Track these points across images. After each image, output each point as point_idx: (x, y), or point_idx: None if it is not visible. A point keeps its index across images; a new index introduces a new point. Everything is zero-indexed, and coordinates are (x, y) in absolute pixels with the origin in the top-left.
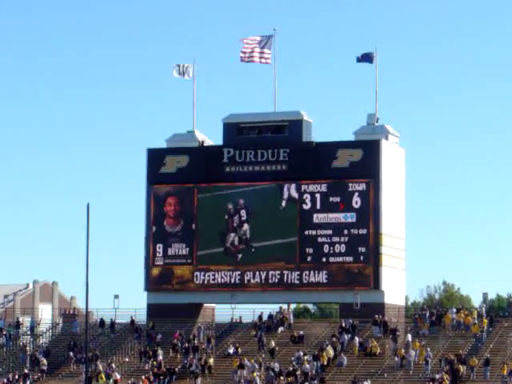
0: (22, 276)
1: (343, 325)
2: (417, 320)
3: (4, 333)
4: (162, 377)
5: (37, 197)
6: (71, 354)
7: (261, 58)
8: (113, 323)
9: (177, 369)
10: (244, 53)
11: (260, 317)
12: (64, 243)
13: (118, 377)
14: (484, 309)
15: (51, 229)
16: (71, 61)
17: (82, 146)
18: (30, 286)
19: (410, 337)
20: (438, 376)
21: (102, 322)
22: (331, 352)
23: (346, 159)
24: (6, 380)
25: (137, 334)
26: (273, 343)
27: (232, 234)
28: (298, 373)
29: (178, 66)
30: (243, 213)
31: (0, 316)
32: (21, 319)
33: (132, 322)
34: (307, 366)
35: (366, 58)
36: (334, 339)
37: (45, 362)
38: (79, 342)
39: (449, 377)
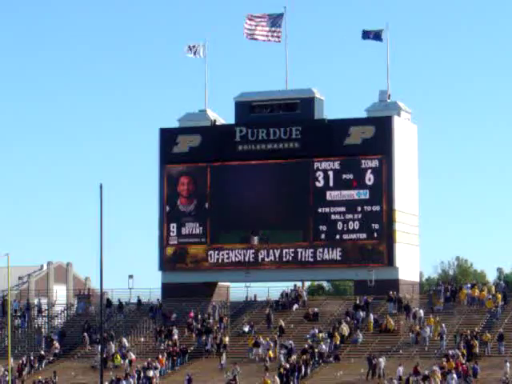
0: (37, 257)
1: (357, 302)
2: (431, 296)
3: (19, 314)
4: (176, 356)
5: (50, 178)
6: (85, 334)
7: (271, 36)
8: (126, 303)
9: (192, 348)
10: (248, 29)
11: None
12: (78, 224)
13: (133, 357)
14: (501, 284)
15: (65, 210)
16: (84, 42)
17: (95, 127)
18: (45, 267)
19: (422, 312)
20: (451, 352)
21: (109, 302)
22: (346, 330)
23: (358, 136)
24: (21, 361)
25: (152, 313)
26: (281, 322)
27: (245, 212)
28: (316, 350)
29: (190, 45)
30: (256, 191)
31: (15, 298)
32: (35, 301)
33: (139, 301)
34: (323, 345)
35: (375, 36)
36: (348, 318)
37: (57, 345)
38: (94, 322)
39: (464, 352)
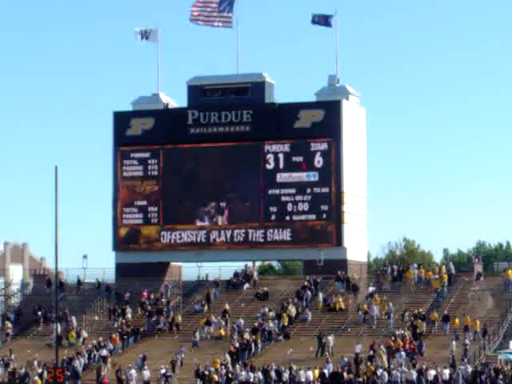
0: None
1: (305, 283)
2: (379, 276)
3: None
4: (128, 335)
5: (6, 159)
6: (39, 313)
7: (221, 21)
8: (80, 282)
9: (144, 327)
10: (195, 14)
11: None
12: (34, 205)
13: (86, 335)
14: (451, 265)
15: (21, 191)
16: (39, 24)
17: (50, 110)
18: (1, 248)
19: (370, 290)
20: (398, 332)
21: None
22: (293, 311)
23: (307, 119)
24: None
25: (106, 293)
26: (226, 305)
27: (195, 194)
28: (266, 329)
29: (141, 30)
30: (208, 173)
31: None
32: None
33: (99, 284)
34: (271, 324)
35: (324, 21)
36: (296, 299)
37: (9, 325)
38: (49, 302)
39: (410, 332)
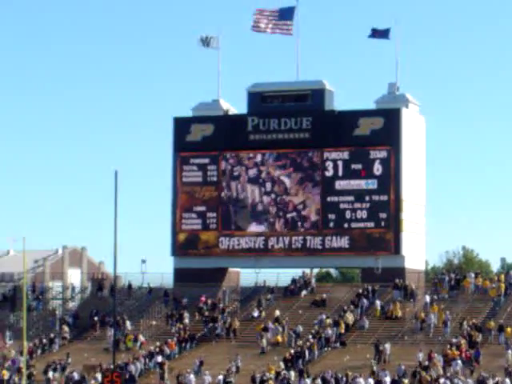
0: (52, 241)
1: (360, 291)
2: (436, 284)
3: (34, 296)
4: (185, 341)
5: (67, 164)
6: (96, 317)
7: (280, 29)
8: (140, 287)
9: (201, 333)
10: (256, 22)
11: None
12: (93, 209)
13: (143, 339)
14: (505, 276)
15: (81, 195)
16: (101, 32)
17: (112, 116)
18: (60, 251)
19: (427, 298)
20: (454, 340)
21: (129, 285)
22: (350, 318)
23: (367, 127)
24: (34, 343)
25: (164, 298)
26: (277, 312)
27: (255, 201)
28: (322, 336)
29: (202, 37)
30: (266, 180)
31: (30, 281)
32: (50, 284)
33: (150, 290)
34: (329, 331)
35: (382, 34)
36: (352, 306)
37: (66, 329)
38: (107, 306)
39: (466, 341)
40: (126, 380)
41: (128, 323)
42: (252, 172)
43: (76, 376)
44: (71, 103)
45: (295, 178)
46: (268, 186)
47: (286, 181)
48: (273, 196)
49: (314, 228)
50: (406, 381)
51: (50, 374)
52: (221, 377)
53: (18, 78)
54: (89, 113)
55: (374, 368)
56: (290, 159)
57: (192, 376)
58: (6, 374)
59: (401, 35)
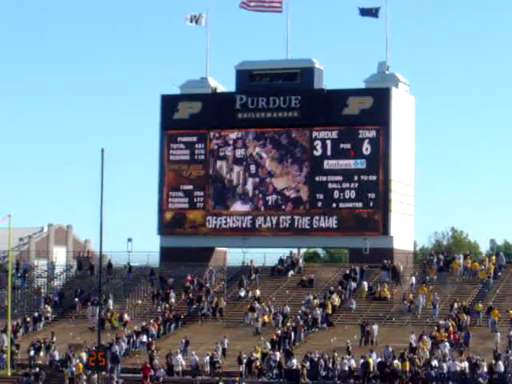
0: (37, 219)
1: (347, 272)
2: (425, 265)
3: (19, 275)
4: (171, 320)
5: (53, 142)
6: (76, 299)
7: (270, 6)
8: (126, 266)
9: (187, 312)
10: (243, 0)
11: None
12: (79, 187)
13: (128, 318)
14: (502, 255)
15: (67, 173)
16: (87, 9)
17: (98, 93)
18: (45, 229)
19: (414, 280)
20: (442, 322)
21: (109, 264)
22: (337, 300)
23: (356, 106)
24: (19, 321)
25: (151, 277)
26: (257, 292)
27: (242, 180)
28: (309, 317)
29: (191, 15)
30: (255, 158)
31: (15, 258)
32: (35, 262)
33: (130, 268)
34: (317, 311)
35: (370, 13)
36: (340, 287)
37: (49, 309)
38: (92, 285)
39: (455, 323)
40: (111, 359)
41: (111, 302)
42: (239, 152)
43: (57, 356)
44: (58, 81)
45: (283, 157)
46: (254, 165)
47: (273, 160)
48: (259, 175)
49: (302, 208)
50: (396, 361)
51: (32, 352)
52: (207, 357)
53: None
54: (76, 91)
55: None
56: (279, 138)
57: (180, 356)
58: None
59: (391, 14)
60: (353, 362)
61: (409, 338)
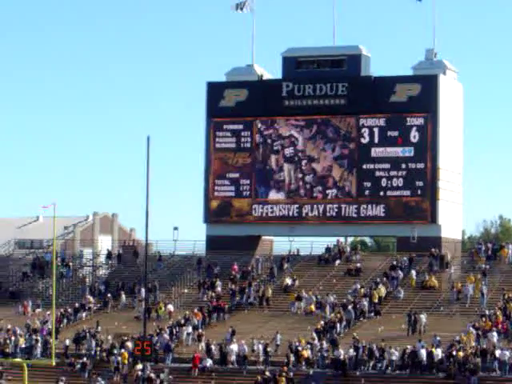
0: (82, 208)
1: (393, 263)
2: (473, 254)
3: (65, 263)
4: (217, 310)
5: (98, 130)
6: (128, 285)
7: None
8: (171, 255)
9: (234, 301)
10: None
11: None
12: (124, 175)
13: (172, 309)
14: None
15: (112, 161)
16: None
17: (143, 79)
18: (90, 218)
19: (457, 270)
20: (488, 312)
21: (160, 257)
22: (383, 291)
23: (404, 94)
24: (60, 312)
25: (198, 265)
26: (288, 280)
27: (289, 167)
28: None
29: (237, 2)
30: (301, 146)
31: (60, 247)
32: (81, 250)
33: (160, 256)
34: (364, 302)
35: None
36: (385, 278)
37: (91, 299)
38: (138, 273)
39: (501, 312)
40: (164, 349)
41: (157, 292)
42: (286, 140)
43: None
44: (105, 69)
45: (330, 145)
46: (302, 154)
47: (320, 148)
48: (307, 164)
49: (350, 196)
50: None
51: (67, 341)
52: (260, 346)
53: (53, 44)
54: (123, 79)
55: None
56: (326, 126)
57: (234, 345)
58: (21, 342)
59: (439, 0)
60: (397, 353)
61: (456, 328)
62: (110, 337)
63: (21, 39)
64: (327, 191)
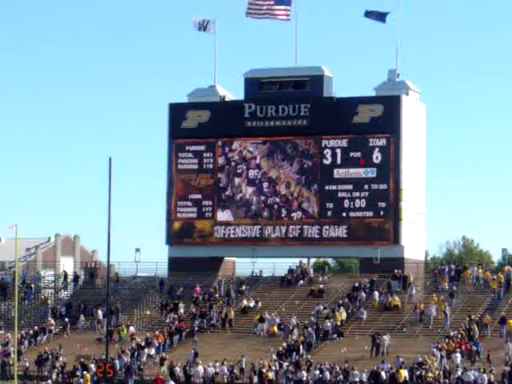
0: (44, 229)
1: (356, 285)
2: (436, 275)
3: (25, 285)
4: (179, 332)
5: (60, 151)
6: (89, 307)
7: (278, 14)
8: (133, 277)
9: (197, 322)
10: (251, 8)
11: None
12: (86, 197)
13: (133, 330)
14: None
15: (74, 183)
16: (93, 16)
17: (104, 100)
18: (52, 240)
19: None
20: (452, 333)
21: (117, 279)
22: (344, 314)
23: (366, 114)
24: (21, 334)
25: (160, 287)
26: (245, 302)
27: (252, 189)
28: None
29: (199, 21)
30: (264, 168)
31: (22, 269)
32: (42, 272)
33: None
34: (328, 324)
35: (378, 15)
36: (347, 300)
37: (52, 322)
38: (100, 295)
39: (463, 334)
40: (126, 371)
41: (119, 313)
42: (247, 161)
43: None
44: (64, 89)
45: (293, 166)
46: (263, 175)
47: (282, 169)
48: (269, 185)
49: (312, 217)
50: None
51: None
52: (225, 368)
53: (12, 67)
54: (83, 99)
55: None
56: (288, 147)
57: (200, 367)
58: None
59: (400, 20)
60: (364, 375)
61: (419, 349)
62: (71, 359)
63: None
64: (289, 212)
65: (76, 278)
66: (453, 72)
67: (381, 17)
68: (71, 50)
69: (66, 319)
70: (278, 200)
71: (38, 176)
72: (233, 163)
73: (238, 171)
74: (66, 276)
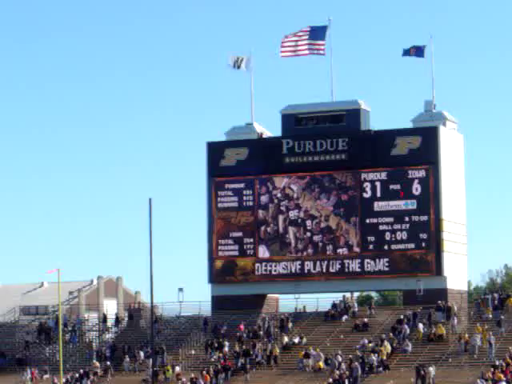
0: (87, 272)
1: (400, 317)
2: (479, 304)
3: (69, 329)
4: (225, 371)
5: (100, 193)
6: (134, 348)
7: (312, 49)
8: (177, 317)
9: (241, 360)
10: (285, 47)
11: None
12: (128, 238)
13: (178, 370)
14: None
15: (115, 224)
16: (132, 57)
17: (144, 142)
18: (95, 282)
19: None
20: (498, 362)
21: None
22: (389, 347)
23: (404, 146)
24: (66, 378)
25: (204, 326)
26: (285, 338)
27: (291, 225)
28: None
29: (234, 59)
30: (302, 202)
31: (65, 313)
32: (86, 315)
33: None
34: (372, 357)
35: (416, 52)
36: (391, 334)
37: (97, 364)
38: (144, 336)
39: (510, 362)
40: None
41: (164, 354)
42: (288, 197)
43: None
44: (106, 131)
45: (330, 199)
46: (303, 210)
47: (322, 203)
48: (309, 220)
49: (353, 251)
50: None
51: None
52: None
53: (52, 105)
54: (123, 140)
55: None
56: (326, 180)
57: None
58: None
59: (436, 52)
60: None
61: (465, 379)
62: None
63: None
64: (330, 247)
65: (118, 319)
66: (489, 101)
67: (419, 52)
68: (113, 91)
69: (108, 362)
70: (318, 235)
71: (79, 219)
72: (275, 200)
73: (279, 208)
74: (105, 318)
